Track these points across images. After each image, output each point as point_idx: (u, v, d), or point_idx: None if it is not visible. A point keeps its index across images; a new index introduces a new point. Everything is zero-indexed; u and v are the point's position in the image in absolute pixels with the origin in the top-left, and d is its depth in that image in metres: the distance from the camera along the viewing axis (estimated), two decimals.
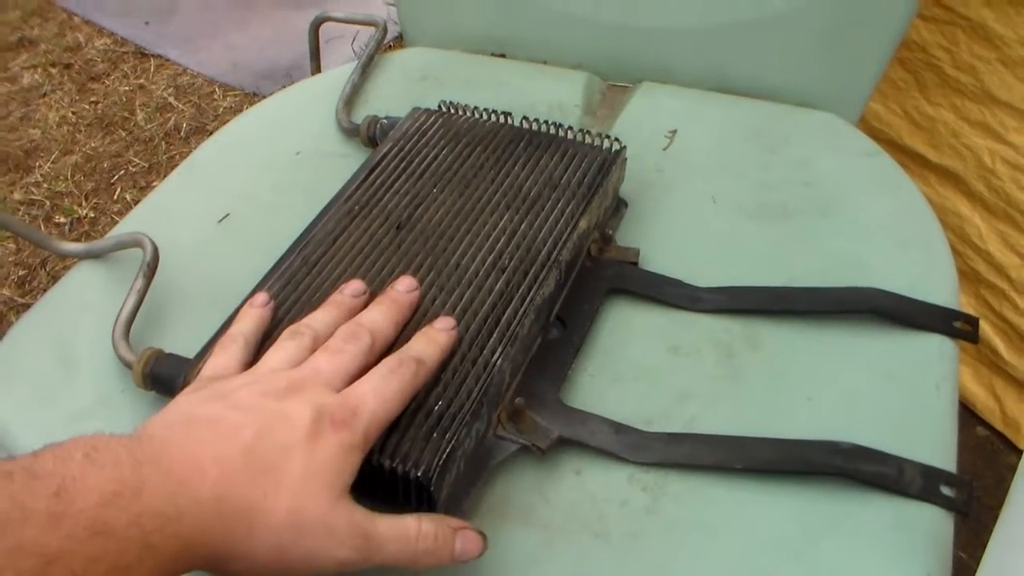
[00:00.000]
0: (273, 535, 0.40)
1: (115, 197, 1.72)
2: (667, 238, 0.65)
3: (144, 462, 0.37)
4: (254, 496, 0.40)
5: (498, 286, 0.55)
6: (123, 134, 1.87)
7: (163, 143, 1.83)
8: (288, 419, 0.43)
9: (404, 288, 0.54)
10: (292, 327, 0.51)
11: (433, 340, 0.50)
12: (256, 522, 0.39)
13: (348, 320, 0.52)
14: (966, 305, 1.12)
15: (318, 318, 0.52)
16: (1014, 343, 1.09)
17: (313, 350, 0.49)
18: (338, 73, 0.85)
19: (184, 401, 0.45)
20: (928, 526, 0.48)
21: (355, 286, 0.54)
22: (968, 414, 1.21)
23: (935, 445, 0.52)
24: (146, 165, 1.78)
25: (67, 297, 0.66)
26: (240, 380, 0.47)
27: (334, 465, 0.42)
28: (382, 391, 0.46)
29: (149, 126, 1.88)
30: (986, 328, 1.11)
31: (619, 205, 0.68)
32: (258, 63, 2.04)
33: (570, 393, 0.56)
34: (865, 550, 0.47)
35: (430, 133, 0.68)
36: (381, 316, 0.52)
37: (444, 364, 0.50)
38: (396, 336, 0.52)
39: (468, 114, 0.70)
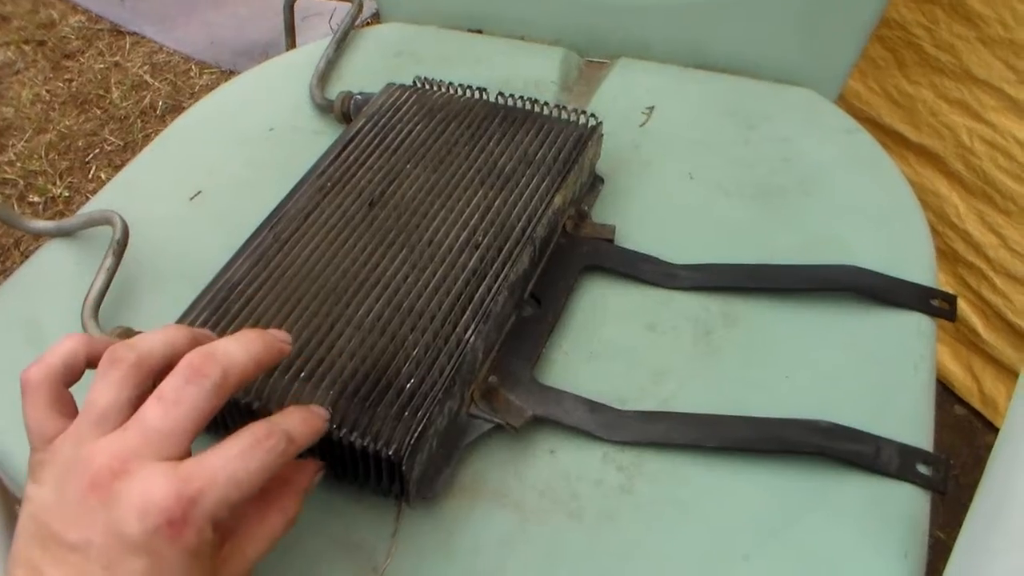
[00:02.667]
0: None
1: (90, 176, 1.70)
2: (644, 215, 0.64)
3: None
4: None
5: (471, 263, 0.54)
6: (98, 112, 1.85)
7: (139, 121, 1.81)
8: (121, 552, 0.36)
9: (280, 335, 0.44)
10: (108, 357, 0.40)
11: (308, 421, 0.43)
12: None
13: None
14: (944, 284, 1.12)
15: (147, 342, 0.41)
16: (992, 322, 1.09)
17: (141, 384, 0.40)
18: (312, 49, 0.84)
19: (22, 532, 0.38)
20: (905, 504, 0.48)
21: (198, 331, 0.44)
22: (946, 393, 1.21)
23: (912, 424, 0.52)
24: (121, 143, 1.76)
25: (36, 276, 0.66)
26: (58, 473, 0.38)
27: None
28: (238, 470, 0.38)
29: (125, 104, 1.86)
30: (964, 307, 1.11)
31: (595, 182, 0.67)
32: (235, 40, 2.01)
33: (545, 371, 0.55)
34: (842, 529, 0.47)
35: (404, 109, 0.67)
36: (239, 347, 0.41)
37: (416, 342, 0.50)
38: (256, 374, 0.42)
39: (443, 90, 0.69)
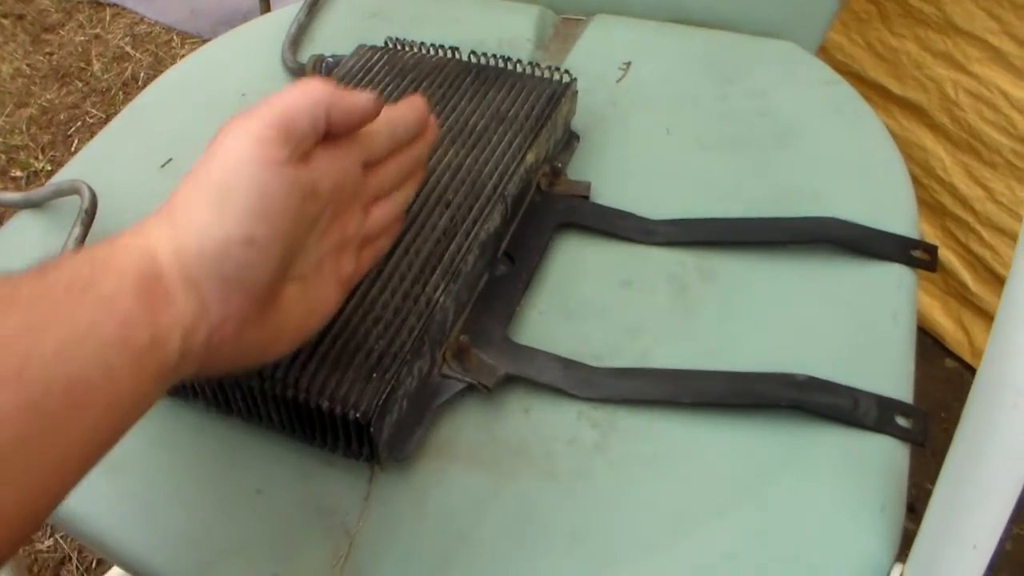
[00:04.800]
0: None
1: (72, 149, 1.68)
2: (620, 171, 0.64)
3: None
4: None
5: (442, 222, 0.53)
6: (80, 85, 1.83)
7: (120, 93, 1.80)
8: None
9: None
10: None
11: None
12: None
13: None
14: (932, 238, 1.11)
15: None
16: (980, 275, 1.08)
17: None
18: (285, 12, 0.83)
19: None
20: (883, 457, 0.47)
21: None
22: (937, 346, 1.20)
23: (891, 376, 0.51)
24: (103, 116, 1.75)
25: (4, 247, 0.65)
26: None
27: None
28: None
29: (106, 76, 1.84)
30: (953, 261, 1.10)
31: (571, 139, 0.66)
32: (216, 10, 1.99)
33: (518, 330, 0.54)
34: (819, 483, 0.46)
35: (375, 70, 0.66)
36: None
37: (384, 303, 0.49)
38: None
39: (414, 50, 0.68)
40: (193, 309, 0.36)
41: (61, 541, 1.08)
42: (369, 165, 0.45)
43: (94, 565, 1.04)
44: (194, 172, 0.39)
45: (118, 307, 0.34)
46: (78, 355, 0.33)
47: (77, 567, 1.05)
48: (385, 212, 0.47)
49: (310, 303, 0.42)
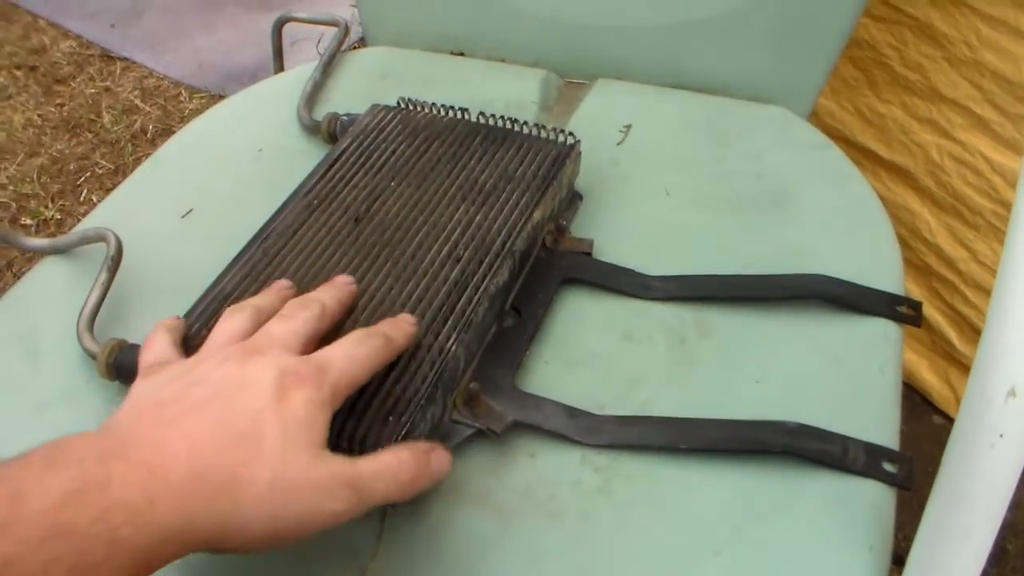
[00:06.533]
0: (262, 504, 0.39)
1: (81, 199, 1.71)
2: (621, 229, 0.67)
3: (110, 456, 0.37)
4: (232, 467, 0.39)
5: (453, 275, 0.56)
6: (89, 136, 1.86)
7: (129, 145, 1.83)
8: (252, 383, 0.42)
9: (343, 280, 0.54)
10: (233, 306, 0.51)
11: (399, 326, 0.50)
12: (241, 494, 0.38)
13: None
14: (918, 297, 1.14)
15: (257, 298, 0.52)
16: (966, 334, 1.11)
17: (259, 323, 0.48)
18: (300, 72, 0.86)
19: (143, 388, 0.44)
20: (871, 501, 0.50)
21: (284, 282, 0.55)
22: (925, 403, 1.23)
23: (878, 424, 0.54)
24: (112, 167, 1.78)
25: (32, 291, 0.67)
26: (193, 359, 0.46)
27: (306, 422, 0.41)
28: (351, 353, 0.46)
29: (115, 128, 1.88)
30: (939, 320, 1.13)
31: (574, 198, 0.69)
32: (224, 65, 2.04)
33: (525, 379, 0.57)
34: (810, 525, 0.49)
35: (388, 129, 0.69)
36: (326, 294, 0.51)
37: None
38: (342, 315, 0.52)
39: (426, 110, 0.71)
40: None
41: None
42: None
43: None
44: None
45: None
46: None
47: None
48: None
49: None
